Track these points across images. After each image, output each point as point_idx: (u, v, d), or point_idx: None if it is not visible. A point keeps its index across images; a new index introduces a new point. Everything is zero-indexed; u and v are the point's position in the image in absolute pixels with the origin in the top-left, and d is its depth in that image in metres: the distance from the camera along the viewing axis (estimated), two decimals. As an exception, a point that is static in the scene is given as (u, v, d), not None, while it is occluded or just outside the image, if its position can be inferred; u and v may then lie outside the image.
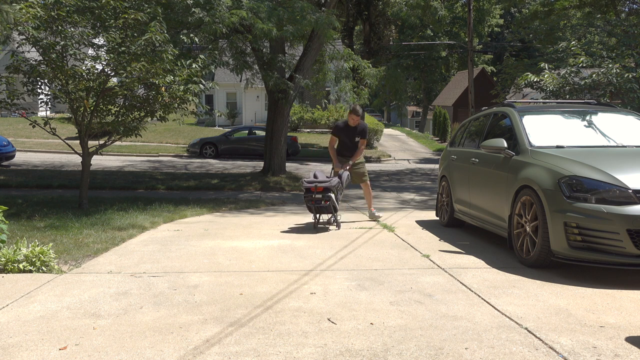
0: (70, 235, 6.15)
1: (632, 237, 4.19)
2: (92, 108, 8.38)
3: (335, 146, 7.86)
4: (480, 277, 4.49)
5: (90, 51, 8.66)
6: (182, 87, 8.26)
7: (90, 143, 8.78)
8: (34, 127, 8.36)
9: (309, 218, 8.18)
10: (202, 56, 8.86)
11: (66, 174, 14.59)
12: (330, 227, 7.12)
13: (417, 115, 62.34)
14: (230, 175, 16.07)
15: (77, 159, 9.14)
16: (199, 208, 8.94)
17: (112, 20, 7.97)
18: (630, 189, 4.31)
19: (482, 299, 3.90)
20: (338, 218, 7.16)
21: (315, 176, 7.17)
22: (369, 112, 35.29)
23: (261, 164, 16.53)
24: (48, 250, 4.75)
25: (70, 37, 7.91)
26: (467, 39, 29.04)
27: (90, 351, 2.92)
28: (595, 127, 5.72)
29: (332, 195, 6.90)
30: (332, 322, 3.38)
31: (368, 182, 7.95)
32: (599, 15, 20.50)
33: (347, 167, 7.60)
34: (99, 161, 17.24)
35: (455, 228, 7.11)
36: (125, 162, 20.05)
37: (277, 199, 11.23)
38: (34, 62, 8.12)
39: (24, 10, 7.14)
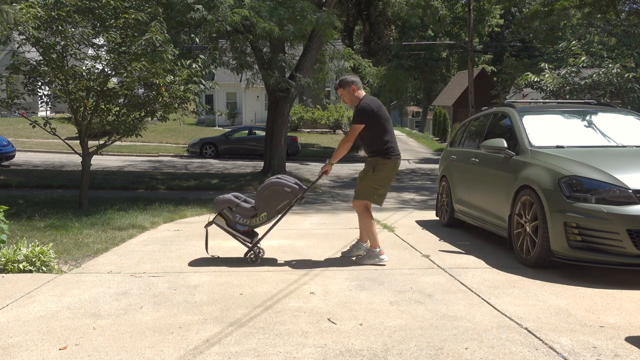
0: (70, 235, 6.16)
1: (632, 237, 4.19)
2: (92, 108, 8.39)
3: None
4: (480, 277, 4.49)
5: (91, 51, 8.66)
6: (182, 87, 8.27)
7: (91, 143, 8.78)
8: (34, 127, 8.35)
9: (309, 218, 8.19)
10: (202, 56, 8.86)
11: (66, 174, 14.59)
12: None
13: (417, 115, 62.34)
14: (230, 175, 16.07)
15: (77, 159, 9.14)
16: (199, 208, 8.94)
17: (113, 20, 7.97)
18: (630, 189, 4.31)
19: (482, 299, 3.90)
20: (250, 255, 4.97)
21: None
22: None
23: (261, 164, 16.51)
24: (48, 250, 4.75)
25: (71, 37, 7.91)
26: (467, 39, 29.04)
27: (90, 351, 2.92)
28: (595, 127, 5.72)
29: (220, 222, 4.97)
30: (332, 322, 3.38)
31: (360, 201, 5.06)
32: (599, 15, 20.49)
33: (322, 172, 5.09)
34: (99, 161, 17.23)
35: (455, 228, 7.11)
36: (125, 162, 20.05)
37: (277, 199, 11.20)
38: (34, 62, 8.12)
39: (24, 10, 7.14)
